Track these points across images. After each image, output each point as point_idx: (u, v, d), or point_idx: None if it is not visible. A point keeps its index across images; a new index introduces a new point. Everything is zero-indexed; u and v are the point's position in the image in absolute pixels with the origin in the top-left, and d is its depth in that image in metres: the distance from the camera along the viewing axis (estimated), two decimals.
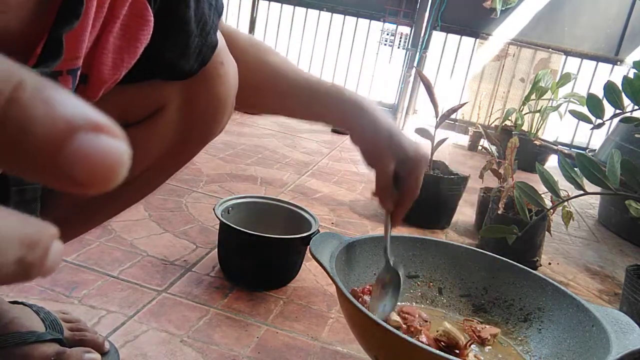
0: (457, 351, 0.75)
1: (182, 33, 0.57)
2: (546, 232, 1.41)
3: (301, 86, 0.77)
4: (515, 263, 0.88)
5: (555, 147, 2.78)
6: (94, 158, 0.12)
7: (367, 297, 0.80)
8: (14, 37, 0.41)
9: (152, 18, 0.51)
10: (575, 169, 1.20)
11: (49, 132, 0.13)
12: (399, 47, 4.43)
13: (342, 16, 3.59)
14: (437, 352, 0.60)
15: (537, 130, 2.87)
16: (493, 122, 3.20)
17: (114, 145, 0.12)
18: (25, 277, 0.14)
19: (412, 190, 0.76)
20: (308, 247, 0.80)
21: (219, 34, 0.63)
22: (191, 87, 0.63)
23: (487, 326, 0.84)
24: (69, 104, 0.13)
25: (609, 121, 1.33)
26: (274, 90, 0.78)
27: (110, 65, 0.51)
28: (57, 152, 0.12)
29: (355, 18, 3.58)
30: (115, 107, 0.59)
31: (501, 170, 1.56)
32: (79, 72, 0.48)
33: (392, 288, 0.81)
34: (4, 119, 0.13)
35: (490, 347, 0.81)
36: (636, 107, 1.20)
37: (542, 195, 1.28)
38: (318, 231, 1.02)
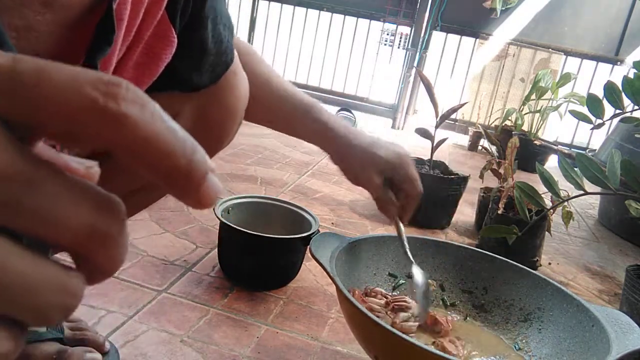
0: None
1: (199, 52, 0.58)
2: (546, 232, 1.41)
3: (285, 101, 0.80)
4: (515, 263, 0.88)
5: (555, 147, 2.78)
6: (214, 192, 0.18)
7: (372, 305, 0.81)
8: None
9: (175, 39, 0.53)
10: (575, 169, 1.20)
11: (193, 172, 0.17)
12: (399, 47, 4.44)
13: (342, 16, 3.59)
14: (437, 352, 0.60)
15: (537, 130, 2.87)
16: (493, 122, 3.20)
17: (217, 182, 0.18)
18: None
19: (413, 192, 0.80)
20: (308, 247, 0.80)
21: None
22: (203, 96, 0.64)
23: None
24: (194, 142, 0.17)
25: (609, 121, 1.33)
26: (262, 101, 0.79)
27: (130, 81, 0.53)
28: (198, 187, 0.17)
29: (355, 18, 3.58)
30: None
31: (501, 170, 1.56)
32: None
33: (423, 289, 0.81)
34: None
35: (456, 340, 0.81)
36: (636, 107, 1.20)
37: (542, 195, 1.29)
38: (318, 231, 1.02)
